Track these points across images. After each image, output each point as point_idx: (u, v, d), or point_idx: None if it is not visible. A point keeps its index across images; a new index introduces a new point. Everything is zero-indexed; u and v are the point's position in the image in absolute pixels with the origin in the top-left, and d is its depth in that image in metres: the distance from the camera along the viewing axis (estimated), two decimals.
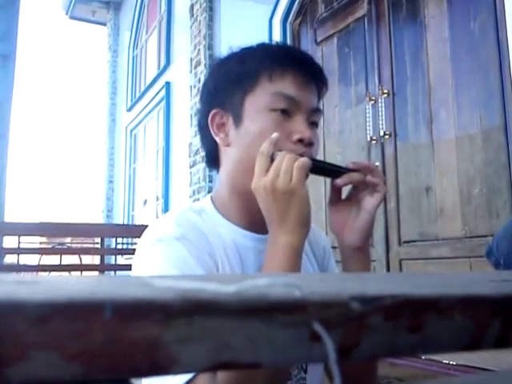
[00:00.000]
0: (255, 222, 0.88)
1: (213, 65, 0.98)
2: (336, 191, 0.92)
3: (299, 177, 0.79)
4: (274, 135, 0.83)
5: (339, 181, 0.88)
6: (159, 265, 0.79)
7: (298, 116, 0.88)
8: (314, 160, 0.86)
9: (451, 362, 2.36)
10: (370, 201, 0.88)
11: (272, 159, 0.81)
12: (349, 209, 0.90)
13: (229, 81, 0.91)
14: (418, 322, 0.27)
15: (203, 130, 0.95)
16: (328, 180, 0.92)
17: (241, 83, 0.89)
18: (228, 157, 0.91)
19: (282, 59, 0.90)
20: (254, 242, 0.90)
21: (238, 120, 0.89)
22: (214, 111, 0.91)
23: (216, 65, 0.96)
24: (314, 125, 0.91)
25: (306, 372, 0.90)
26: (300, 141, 0.87)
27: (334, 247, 1.07)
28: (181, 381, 0.69)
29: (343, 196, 0.92)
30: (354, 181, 0.88)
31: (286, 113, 0.87)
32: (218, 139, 0.92)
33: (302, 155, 0.83)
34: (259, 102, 0.87)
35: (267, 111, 0.87)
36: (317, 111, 0.92)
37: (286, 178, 0.79)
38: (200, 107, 0.97)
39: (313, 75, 0.92)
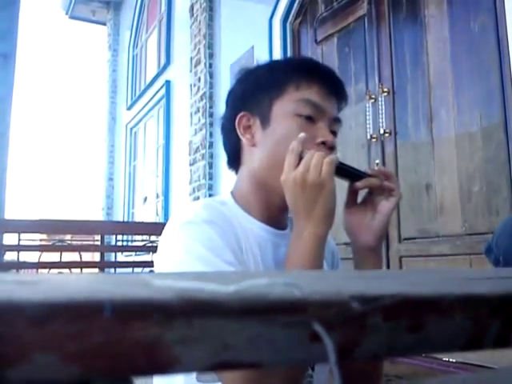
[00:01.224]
0: (273, 218, 0.95)
1: (240, 74, 1.04)
2: (352, 195, 0.97)
3: (329, 171, 0.84)
4: (302, 135, 0.89)
5: (359, 184, 0.93)
6: (189, 245, 0.82)
7: (321, 122, 0.94)
8: (339, 162, 0.90)
9: (451, 360, 2.36)
10: (385, 205, 0.94)
11: (300, 157, 0.87)
12: (364, 212, 0.95)
13: (257, 88, 0.98)
14: (418, 321, 0.27)
15: (228, 132, 1.02)
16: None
17: (269, 90, 0.96)
18: (252, 156, 0.97)
19: (309, 71, 0.97)
20: (272, 235, 0.95)
21: (265, 123, 0.95)
22: (241, 114, 0.98)
23: (244, 74, 1.03)
24: (334, 133, 0.97)
25: (313, 370, 0.93)
26: (323, 144, 0.93)
27: (346, 244, 1.09)
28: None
29: (359, 200, 0.97)
30: (372, 185, 0.93)
31: (310, 119, 0.94)
32: (244, 139, 0.98)
33: None
34: (286, 108, 0.94)
35: (293, 116, 0.93)
36: (337, 121, 0.99)
37: (315, 171, 0.84)
38: (226, 112, 1.04)
39: (335, 88, 0.99)
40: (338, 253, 1.11)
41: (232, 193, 1.00)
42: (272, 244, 0.94)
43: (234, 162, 1.03)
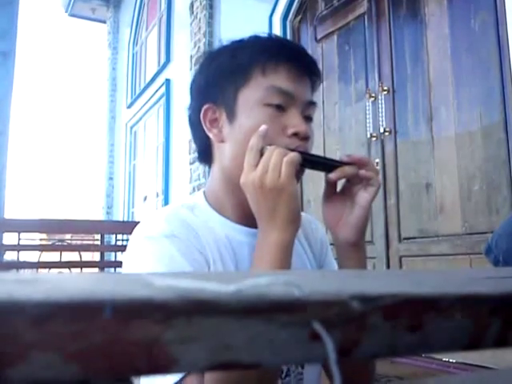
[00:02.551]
0: (249, 217, 0.85)
1: (203, 59, 0.95)
2: (331, 185, 0.90)
3: (288, 173, 0.77)
4: (262, 128, 0.81)
5: (332, 175, 0.86)
6: (148, 263, 0.78)
7: (292, 110, 0.86)
8: (306, 154, 0.84)
9: (451, 360, 2.37)
10: (363, 195, 0.86)
11: (262, 154, 0.80)
12: (343, 203, 0.88)
13: (221, 75, 0.89)
14: (418, 321, 0.27)
15: (195, 125, 0.93)
16: None
17: (233, 77, 0.87)
18: (222, 153, 0.89)
19: (275, 52, 0.87)
20: (249, 236, 0.88)
21: (231, 115, 0.87)
22: (206, 106, 0.89)
23: (206, 59, 0.94)
24: (308, 119, 0.89)
25: (302, 367, 0.90)
26: (295, 135, 0.85)
27: (332, 244, 1.07)
28: (170, 381, 0.69)
29: (338, 189, 0.91)
30: (347, 174, 0.86)
31: (280, 107, 0.85)
32: (211, 135, 0.90)
33: (295, 149, 0.82)
34: (253, 97, 0.86)
35: (261, 106, 0.85)
36: (311, 104, 0.90)
37: (274, 173, 0.77)
38: (190, 102, 0.95)
39: (307, 68, 0.90)
40: (328, 242, 1.04)
41: (204, 192, 0.94)
42: (248, 247, 0.87)
43: (205, 158, 0.95)
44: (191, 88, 0.96)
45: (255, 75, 0.86)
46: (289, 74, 0.86)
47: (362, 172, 0.86)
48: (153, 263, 0.78)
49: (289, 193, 0.78)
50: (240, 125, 0.86)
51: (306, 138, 0.86)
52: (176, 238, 0.80)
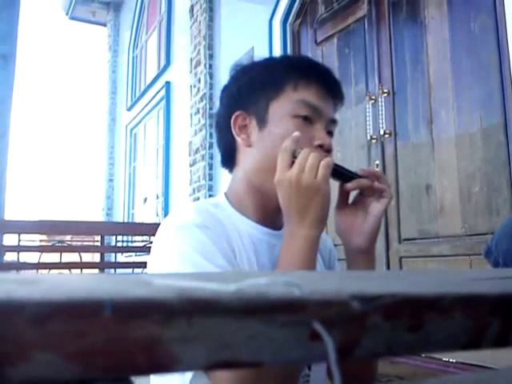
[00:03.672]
0: (269, 219, 0.94)
1: (235, 70, 1.01)
2: (343, 196, 0.96)
3: (324, 174, 0.83)
4: (296, 134, 0.87)
5: (349, 185, 0.92)
6: (181, 249, 0.81)
7: (318, 124, 0.93)
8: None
9: (451, 360, 2.36)
10: (376, 206, 0.93)
11: (294, 156, 0.85)
12: (355, 213, 0.94)
13: (254, 86, 0.96)
14: (418, 321, 0.27)
15: (222, 130, 1.00)
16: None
17: (266, 90, 0.94)
18: (248, 156, 0.96)
19: (307, 71, 0.95)
20: (267, 236, 0.94)
21: (261, 123, 0.94)
22: (237, 113, 0.96)
23: (239, 71, 1.01)
24: (330, 134, 0.97)
25: (309, 369, 0.92)
26: (320, 146, 0.92)
27: (335, 245, 1.09)
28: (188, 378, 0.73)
29: (350, 201, 0.96)
30: (363, 186, 0.93)
31: (307, 120, 0.92)
32: (239, 139, 0.96)
33: None
34: (283, 109, 0.93)
35: (291, 117, 0.92)
36: (334, 122, 0.98)
37: (311, 173, 0.83)
38: (220, 109, 1.02)
39: (333, 89, 0.98)
40: (335, 252, 1.10)
41: (226, 194, 0.99)
42: (267, 245, 0.93)
43: (229, 161, 1.00)
44: (222, 96, 1.03)
45: (287, 90, 0.93)
46: (318, 91, 0.94)
47: (376, 184, 0.93)
48: (186, 249, 0.81)
49: (324, 193, 0.84)
50: (269, 132, 0.93)
51: (329, 150, 0.93)
52: (206, 228, 0.84)
